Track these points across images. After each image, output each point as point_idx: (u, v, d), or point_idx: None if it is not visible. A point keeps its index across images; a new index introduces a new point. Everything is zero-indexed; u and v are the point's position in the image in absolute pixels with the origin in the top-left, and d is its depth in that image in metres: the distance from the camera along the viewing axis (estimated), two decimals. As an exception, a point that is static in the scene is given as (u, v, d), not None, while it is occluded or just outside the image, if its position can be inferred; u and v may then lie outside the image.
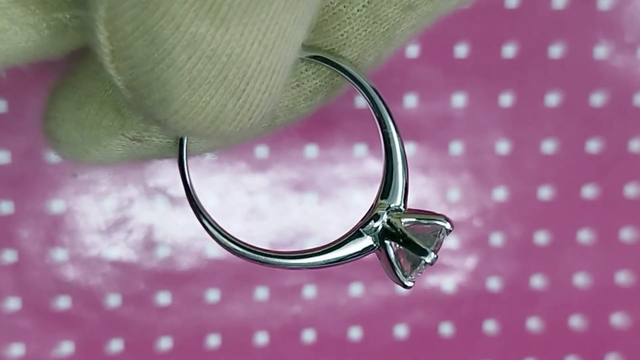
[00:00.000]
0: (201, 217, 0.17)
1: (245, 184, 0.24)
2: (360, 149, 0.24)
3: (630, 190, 0.25)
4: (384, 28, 0.16)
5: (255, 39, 0.13)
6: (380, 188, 0.17)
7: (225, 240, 0.17)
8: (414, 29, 0.17)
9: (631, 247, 0.26)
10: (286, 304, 0.25)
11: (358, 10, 0.16)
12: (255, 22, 0.13)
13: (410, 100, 0.24)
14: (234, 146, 0.20)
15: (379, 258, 0.17)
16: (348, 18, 0.16)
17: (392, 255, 0.16)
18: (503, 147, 0.25)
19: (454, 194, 0.25)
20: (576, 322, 0.26)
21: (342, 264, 0.17)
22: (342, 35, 0.16)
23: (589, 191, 0.25)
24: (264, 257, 0.17)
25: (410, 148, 0.24)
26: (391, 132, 0.16)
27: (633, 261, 0.26)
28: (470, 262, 0.25)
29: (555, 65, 0.24)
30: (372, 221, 0.16)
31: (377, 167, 0.24)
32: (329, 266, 0.17)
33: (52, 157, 0.23)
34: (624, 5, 0.24)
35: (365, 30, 0.16)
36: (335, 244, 0.17)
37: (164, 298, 0.24)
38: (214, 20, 0.13)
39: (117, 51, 0.13)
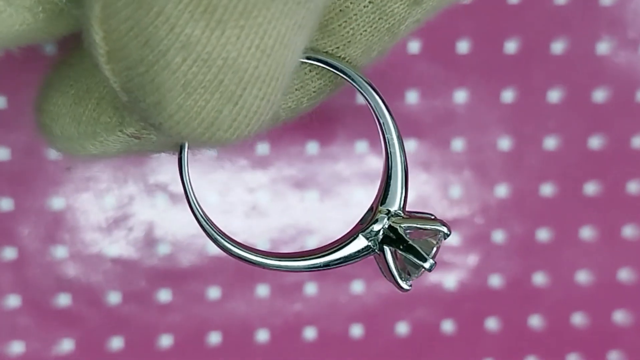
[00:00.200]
0: (203, 223, 0.16)
1: (246, 181, 0.24)
2: (361, 146, 0.24)
3: (632, 187, 0.25)
4: (389, 24, 0.16)
5: (252, 43, 0.13)
6: (380, 193, 0.17)
7: (230, 246, 0.17)
8: (418, 23, 0.17)
9: (633, 244, 0.26)
10: (287, 301, 0.25)
11: (364, 7, 0.16)
12: (252, 26, 0.13)
13: (412, 97, 0.24)
14: (236, 145, 0.20)
15: (377, 261, 0.17)
16: (354, 15, 0.16)
17: (390, 259, 0.16)
18: (505, 143, 0.25)
19: (456, 191, 0.25)
20: (578, 319, 0.26)
21: (341, 266, 0.17)
22: (348, 32, 0.16)
23: (591, 188, 0.25)
24: (263, 261, 0.17)
25: (411, 145, 0.24)
26: (392, 137, 0.16)
27: (635, 258, 0.26)
28: (472, 259, 0.25)
29: (557, 62, 0.24)
30: (373, 225, 0.17)
31: (378, 163, 0.24)
32: (328, 269, 0.17)
33: (52, 154, 0.23)
34: (627, 1, 0.24)
35: (371, 27, 0.16)
36: (334, 247, 0.17)
37: (164, 295, 0.24)
38: (209, 22, 0.12)
39: (112, 52, 0.13)
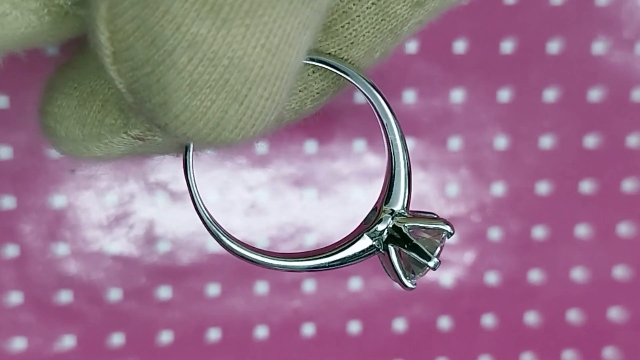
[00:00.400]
0: (207, 220, 0.16)
1: (245, 179, 0.24)
2: (359, 145, 0.24)
3: (627, 185, 0.25)
4: (392, 25, 0.16)
5: (257, 42, 0.13)
6: (384, 193, 0.17)
7: (234, 245, 0.16)
8: (421, 24, 0.17)
9: (628, 241, 0.26)
10: (286, 298, 0.25)
11: (367, 8, 0.16)
12: (258, 25, 0.12)
13: (409, 96, 0.24)
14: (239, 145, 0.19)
15: (381, 261, 0.17)
16: (357, 16, 0.16)
17: (394, 258, 0.16)
18: (501, 142, 0.25)
19: (453, 189, 0.25)
20: (574, 316, 0.26)
21: (345, 266, 0.17)
22: (351, 34, 0.16)
23: (586, 186, 0.25)
24: (267, 260, 0.17)
25: (409, 143, 0.24)
26: (395, 138, 0.17)
27: (630, 256, 0.26)
28: (469, 256, 0.25)
29: (553, 61, 0.24)
30: (377, 225, 0.17)
31: (376, 162, 0.24)
32: (332, 269, 0.17)
33: (54, 152, 0.23)
34: (622, 1, 0.24)
35: (374, 28, 0.16)
36: (339, 246, 0.17)
37: (164, 292, 0.24)
38: (215, 20, 0.12)
39: (118, 52, 0.13)
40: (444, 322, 0.26)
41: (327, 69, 0.16)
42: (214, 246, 0.24)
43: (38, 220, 0.24)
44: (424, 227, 0.17)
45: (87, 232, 0.24)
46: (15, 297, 0.24)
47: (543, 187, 0.25)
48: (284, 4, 0.13)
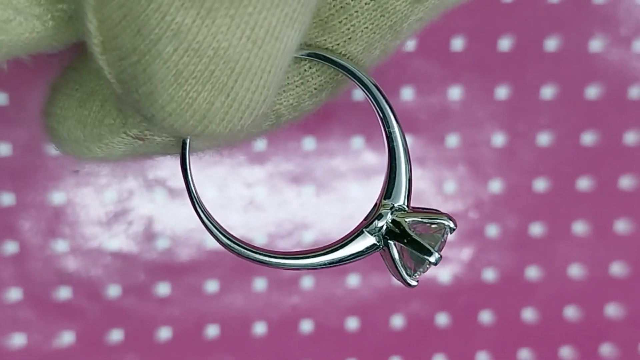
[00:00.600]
0: (207, 220, 0.16)
1: (243, 176, 0.24)
2: (357, 142, 0.24)
3: (624, 182, 0.25)
4: (391, 21, 0.16)
5: (242, 33, 0.13)
6: (384, 187, 0.16)
7: (233, 244, 0.16)
8: (421, 21, 0.17)
9: (625, 238, 0.26)
10: (284, 294, 0.25)
11: (366, 4, 0.16)
12: (243, 15, 0.12)
13: (407, 93, 0.24)
14: (238, 143, 0.19)
15: (383, 257, 0.17)
16: (355, 12, 0.16)
17: (395, 255, 0.16)
18: (499, 139, 0.25)
19: (450, 186, 0.25)
20: (571, 312, 0.26)
21: (345, 264, 0.17)
22: (349, 29, 0.16)
23: (584, 183, 0.25)
24: (268, 259, 0.16)
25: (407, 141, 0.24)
26: (394, 132, 0.16)
27: (627, 252, 0.26)
28: (466, 253, 0.25)
29: (550, 59, 0.24)
30: (376, 220, 0.16)
31: (374, 159, 0.24)
32: (333, 266, 0.17)
33: (53, 149, 0.23)
34: (619, -1, 0.24)
35: (372, 24, 0.16)
36: (339, 244, 0.16)
37: (163, 289, 0.25)
38: (199, 10, 0.12)
39: (106, 41, 0.13)
40: (442, 319, 0.26)
41: (324, 63, 0.16)
42: (212, 243, 0.24)
43: (37, 216, 0.24)
44: (425, 222, 0.16)
45: (86, 229, 0.24)
46: (14, 294, 0.24)
47: (540, 184, 0.25)
48: None
